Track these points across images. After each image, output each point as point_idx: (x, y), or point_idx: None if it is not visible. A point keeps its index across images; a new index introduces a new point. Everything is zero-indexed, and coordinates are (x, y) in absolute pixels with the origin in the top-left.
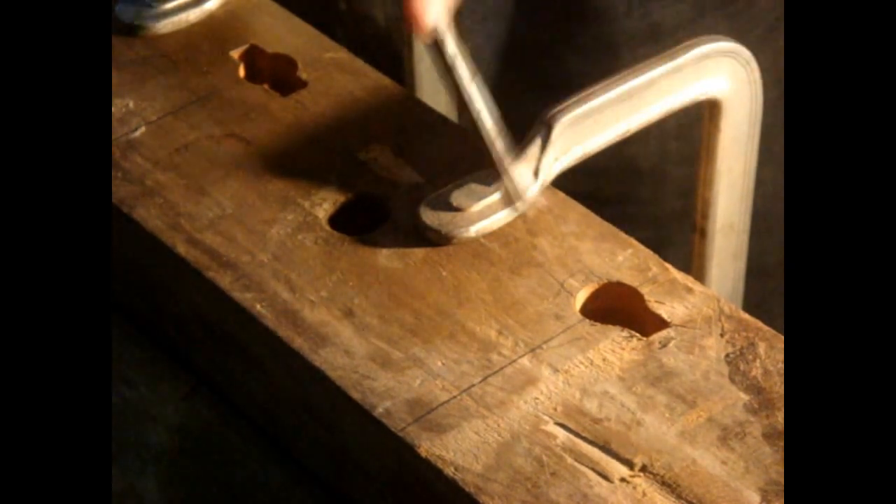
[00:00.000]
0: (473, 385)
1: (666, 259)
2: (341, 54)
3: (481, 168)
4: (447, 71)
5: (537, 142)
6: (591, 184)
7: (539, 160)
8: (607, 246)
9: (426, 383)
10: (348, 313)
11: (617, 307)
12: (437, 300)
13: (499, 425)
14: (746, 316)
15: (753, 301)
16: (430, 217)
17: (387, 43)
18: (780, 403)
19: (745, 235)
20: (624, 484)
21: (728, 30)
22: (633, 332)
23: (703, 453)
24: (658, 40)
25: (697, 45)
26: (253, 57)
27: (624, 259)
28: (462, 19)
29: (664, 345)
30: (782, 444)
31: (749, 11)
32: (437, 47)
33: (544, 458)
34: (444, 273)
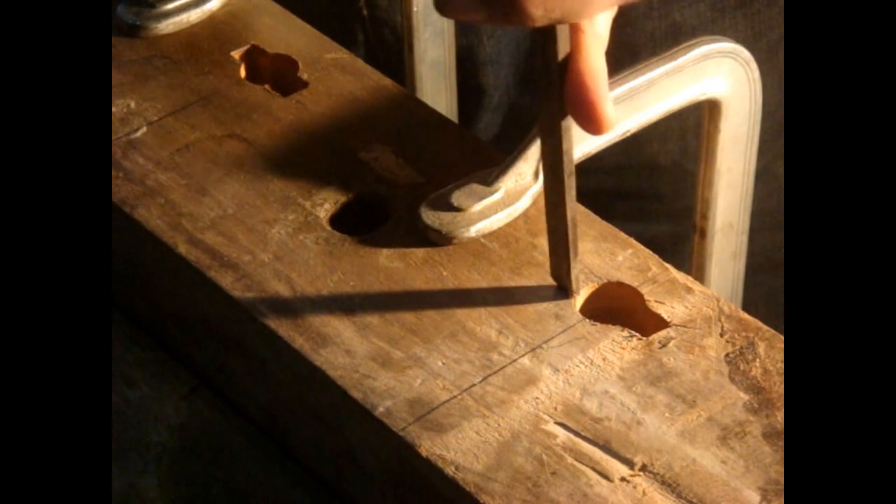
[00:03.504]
0: (474, 384)
1: (684, 253)
2: (342, 55)
3: (482, 168)
4: (556, 158)
5: (538, 142)
6: (610, 180)
7: (539, 160)
8: (607, 246)
9: (427, 383)
10: (349, 313)
11: (617, 307)
12: (437, 300)
13: (499, 425)
14: (746, 316)
15: (761, 297)
16: (430, 217)
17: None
18: (780, 403)
19: (745, 235)
20: (624, 483)
21: (748, 30)
22: (633, 332)
23: (702, 453)
24: (678, 40)
25: (697, 45)
26: (254, 57)
27: (624, 259)
28: (479, 26)
29: (664, 344)
30: (782, 443)
31: (769, 11)
32: (557, 136)
33: (544, 457)
34: (445, 273)
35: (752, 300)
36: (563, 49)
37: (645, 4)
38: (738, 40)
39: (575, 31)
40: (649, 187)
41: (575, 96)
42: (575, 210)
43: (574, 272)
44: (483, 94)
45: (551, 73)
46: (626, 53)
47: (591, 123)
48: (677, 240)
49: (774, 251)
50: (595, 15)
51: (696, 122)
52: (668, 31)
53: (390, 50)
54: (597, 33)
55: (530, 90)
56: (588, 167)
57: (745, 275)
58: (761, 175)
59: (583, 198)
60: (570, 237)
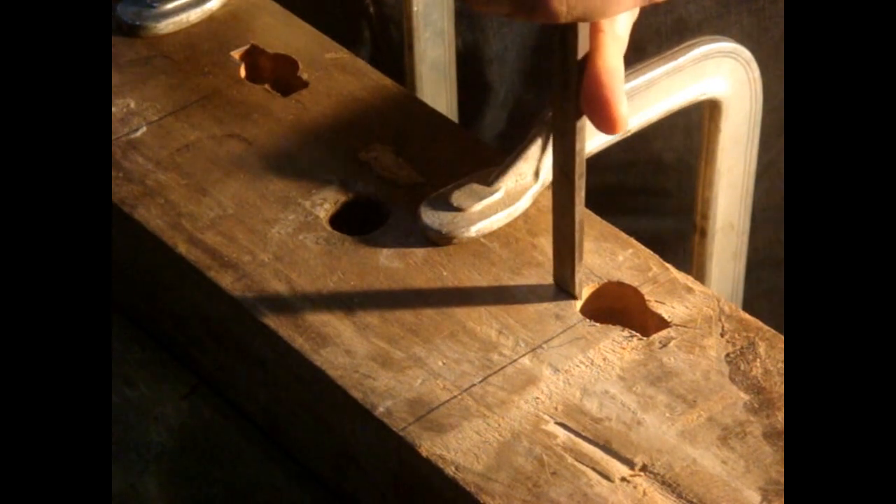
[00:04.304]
0: (474, 384)
1: (687, 248)
2: (342, 54)
3: (482, 168)
4: (569, 158)
5: (538, 142)
6: (615, 176)
7: (539, 160)
8: (607, 246)
9: (427, 383)
10: (349, 313)
11: (617, 307)
12: (437, 300)
13: (499, 425)
14: (746, 315)
15: (763, 293)
16: (430, 217)
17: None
18: (780, 403)
19: (745, 235)
20: (624, 483)
21: (753, 25)
22: (634, 332)
23: (703, 453)
24: (683, 36)
25: (697, 45)
26: (254, 57)
27: (624, 259)
28: (486, 23)
29: (664, 344)
30: (782, 443)
31: (774, 6)
32: (571, 136)
33: (545, 457)
34: (445, 273)
35: (755, 296)
36: (582, 48)
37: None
38: (742, 36)
39: (595, 30)
40: (654, 183)
41: (591, 95)
42: (583, 213)
43: (578, 276)
44: (489, 90)
45: (569, 72)
46: (630, 49)
47: (606, 122)
48: (683, 235)
49: (777, 247)
50: (618, 13)
51: (701, 118)
52: (674, 27)
53: (396, 48)
54: (616, 34)
55: (536, 87)
56: (593, 164)
57: (747, 270)
58: (765, 171)
59: (588, 194)
60: (577, 240)
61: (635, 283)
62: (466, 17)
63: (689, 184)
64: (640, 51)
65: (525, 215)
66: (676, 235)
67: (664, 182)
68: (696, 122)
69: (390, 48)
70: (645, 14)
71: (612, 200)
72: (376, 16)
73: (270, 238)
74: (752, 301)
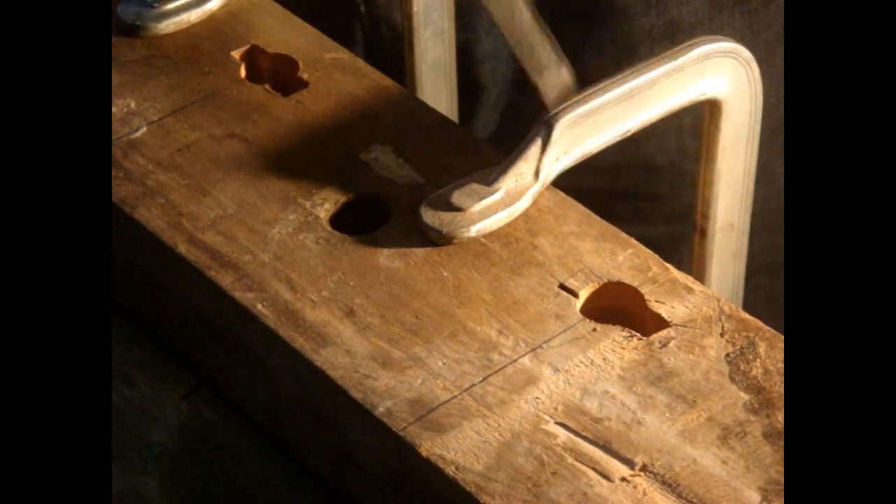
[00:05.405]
0: (474, 384)
1: (681, 254)
2: (342, 55)
3: (482, 168)
4: None
5: (537, 142)
6: (608, 179)
7: (539, 160)
8: (607, 246)
9: (427, 383)
10: (349, 313)
11: (617, 307)
12: (437, 300)
13: (499, 425)
14: (746, 315)
15: (763, 298)
16: (430, 217)
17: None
18: (780, 403)
19: (746, 236)
20: (624, 483)
21: (745, 28)
22: (634, 332)
23: (703, 453)
24: (675, 38)
25: (697, 45)
26: (254, 57)
27: (624, 259)
28: (478, 23)
29: (664, 344)
30: (782, 443)
31: (766, 9)
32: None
33: (545, 457)
34: (445, 273)
35: (753, 303)
36: None
37: (641, 1)
38: (735, 38)
39: None
40: (647, 187)
41: None
42: None
43: None
44: (481, 91)
45: None
46: (624, 50)
47: None
48: (675, 241)
49: (774, 253)
50: None
51: (693, 121)
52: (666, 29)
53: (388, 47)
54: None
55: (529, 88)
56: (586, 167)
57: (745, 277)
58: (762, 176)
59: (581, 198)
60: None
61: (635, 283)
62: (459, 18)
63: (680, 188)
64: (633, 52)
65: (525, 215)
66: (669, 241)
67: (657, 186)
68: (689, 125)
69: (382, 47)
70: (637, 16)
71: (603, 206)
72: (368, 15)
73: (271, 238)
74: (750, 308)
